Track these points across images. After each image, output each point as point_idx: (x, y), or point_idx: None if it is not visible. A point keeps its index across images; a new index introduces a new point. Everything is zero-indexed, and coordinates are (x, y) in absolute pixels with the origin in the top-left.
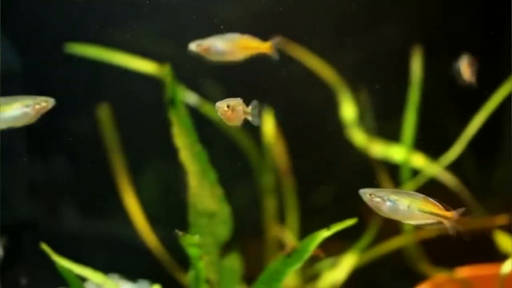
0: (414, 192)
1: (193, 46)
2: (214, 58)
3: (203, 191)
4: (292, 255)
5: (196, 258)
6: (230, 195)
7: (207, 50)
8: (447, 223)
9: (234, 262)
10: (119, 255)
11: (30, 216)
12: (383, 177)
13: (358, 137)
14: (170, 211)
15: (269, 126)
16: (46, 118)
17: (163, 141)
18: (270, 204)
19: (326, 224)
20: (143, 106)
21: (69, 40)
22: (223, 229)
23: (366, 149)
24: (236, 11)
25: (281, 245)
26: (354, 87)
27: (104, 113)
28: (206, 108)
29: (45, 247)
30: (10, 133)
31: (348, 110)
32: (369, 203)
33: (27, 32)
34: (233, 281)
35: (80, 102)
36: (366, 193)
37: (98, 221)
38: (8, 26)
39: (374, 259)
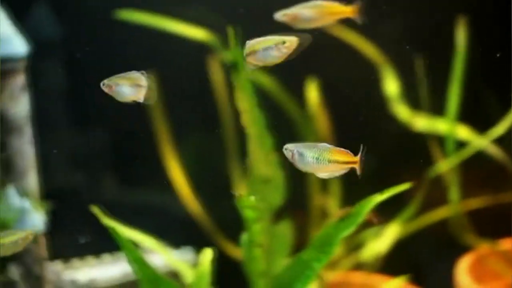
0: (323, 144)
1: (279, 16)
2: (301, 25)
3: (259, 156)
4: (345, 219)
5: (252, 221)
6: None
7: (295, 18)
8: (357, 168)
9: (285, 229)
10: (162, 223)
11: (74, 184)
12: (428, 150)
13: (402, 111)
14: (213, 179)
15: (313, 96)
16: (88, 86)
17: (207, 109)
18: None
19: (368, 194)
20: (188, 74)
21: (117, 6)
22: (276, 196)
23: (410, 122)
24: None
25: (324, 215)
26: (398, 61)
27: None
28: (255, 76)
29: (96, 210)
30: (55, 102)
31: (391, 85)
32: (288, 158)
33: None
34: (284, 247)
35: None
36: (284, 148)
37: (141, 189)
38: None
39: (418, 230)
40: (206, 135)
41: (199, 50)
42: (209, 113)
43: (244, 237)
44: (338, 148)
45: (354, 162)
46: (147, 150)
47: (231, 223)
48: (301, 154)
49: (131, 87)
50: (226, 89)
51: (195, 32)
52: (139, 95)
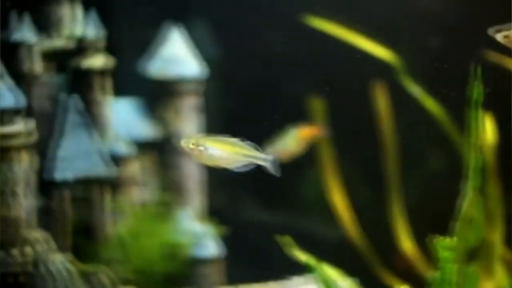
0: (233, 139)
1: (499, 37)
2: None
3: (469, 196)
4: None
5: (447, 261)
6: None
7: None
8: (266, 164)
9: (476, 269)
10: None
11: (234, 207)
12: None
13: None
14: (372, 205)
15: None
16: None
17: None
18: None
19: None
20: (354, 96)
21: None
22: (474, 236)
23: None
24: None
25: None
26: None
27: (317, 105)
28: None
29: (284, 240)
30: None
31: None
32: (190, 152)
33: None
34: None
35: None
36: (184, 142)
37: (300, 217)
38: None
39: None
40: (368, 160)
41: (366, 72)
42: (372, 139)
43: (436, 275)
44: (249, 144)
45: (264, 159)
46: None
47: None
48: (207, 149)
49: None
50: (390, 115)
51: (379, 51)
52: None
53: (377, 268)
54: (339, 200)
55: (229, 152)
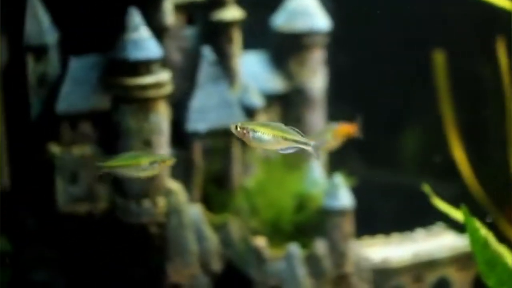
0: (277, 123)
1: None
2: None
3: None
4: None
5: None
6: None
7: None
8: (308, 148)
9: None
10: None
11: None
12: None
13: None
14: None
15: None
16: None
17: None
18: None
19: None
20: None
21: None
22: None
23: None
24: None
25: None
26: None
27: (439, 59)
28: None
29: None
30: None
31: None
32: (237, 135)
33: None
34: None
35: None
36: (233, 126)
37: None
38: None
39: None
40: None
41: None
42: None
43: None
44: (293, 129)
45: (306, 144)
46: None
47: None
48: (253, 132)
49: None
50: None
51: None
52: None
53: (497, 219)
54: (459, 155)
55: (273, 136)
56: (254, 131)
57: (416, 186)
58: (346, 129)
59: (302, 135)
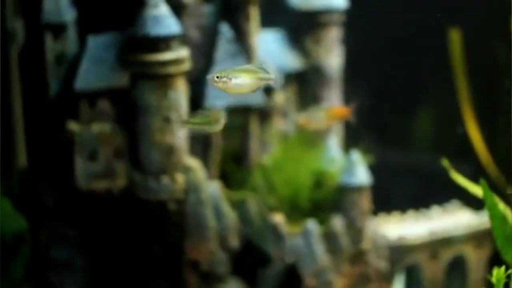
0: (248, 66)
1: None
2: None
3: None
4: None
5: None
6: None
7: None
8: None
9: None
10: None
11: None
12: None
13: None
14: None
15: None
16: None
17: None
18: None
19: None
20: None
21: None
22: None
23: None
24: None
25: None
26: None
27: (455, 36)
28: None
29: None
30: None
31: None
32: (217, 85)
33: None
34: None
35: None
36: (213, 77)
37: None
38: None
39: None
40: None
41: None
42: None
43: None
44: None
45: (270, 78)
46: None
47: None
48: (231, 78)
49: None
50: None
51: None
52: None
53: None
54: (474, 134)
55: (250, 79)
56: (235, 77)
57: (431, 165)
58: (338, 111)
59: (267, 71)
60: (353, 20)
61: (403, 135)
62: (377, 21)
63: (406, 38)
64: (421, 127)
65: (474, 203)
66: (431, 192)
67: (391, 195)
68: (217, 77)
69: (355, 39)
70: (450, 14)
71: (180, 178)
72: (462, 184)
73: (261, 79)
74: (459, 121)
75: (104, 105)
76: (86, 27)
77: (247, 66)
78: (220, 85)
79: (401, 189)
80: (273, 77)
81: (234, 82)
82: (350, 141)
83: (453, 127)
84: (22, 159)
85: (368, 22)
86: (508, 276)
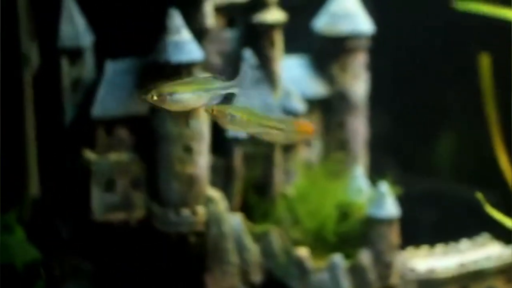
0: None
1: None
2: None
3: None
4: None
5: None
6: None
7: None
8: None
9: None
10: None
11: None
12: None
13: None
14: None
15: None
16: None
17: None
18: None
19: None
20: None
21: None
22: None
23: None
24: None
25: None
26: None
27: (485, 62)
28: None
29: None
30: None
31: None
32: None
33: None
34: None
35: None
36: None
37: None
38: None
39: None
40: None
41: None
42: None
43: None
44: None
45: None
46: None
47: None
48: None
49: None
50: None
51: None
52: None
53: None
54: (503, 158)
55: (192, 92)
56: (170, 94)
57: (456, 194)
58: (304, 127)
59: (223, 80)
60: (378, 45)
61: (427, 163)
62: (402, 46)
63: (431, 63)
64: (446, 154)
65: (504, 236)
66: (459, 223)
67: (418, 227)
68: (154, 94)
69: (380, 65)
70: (478, 38)
71: (201, 210)
72: (495, 217)
73: (209, 90)
74: (485, 148)
75: (122, 133)
76: (104, 52)
77: (191, 78)
78: (157, 103)
79: (427, 220)
80: (231, 84)
81: (170, 98)
82: (374, 169)
83: (479, 153)
84: (34, 188)
85: (394, 47)
86: None
